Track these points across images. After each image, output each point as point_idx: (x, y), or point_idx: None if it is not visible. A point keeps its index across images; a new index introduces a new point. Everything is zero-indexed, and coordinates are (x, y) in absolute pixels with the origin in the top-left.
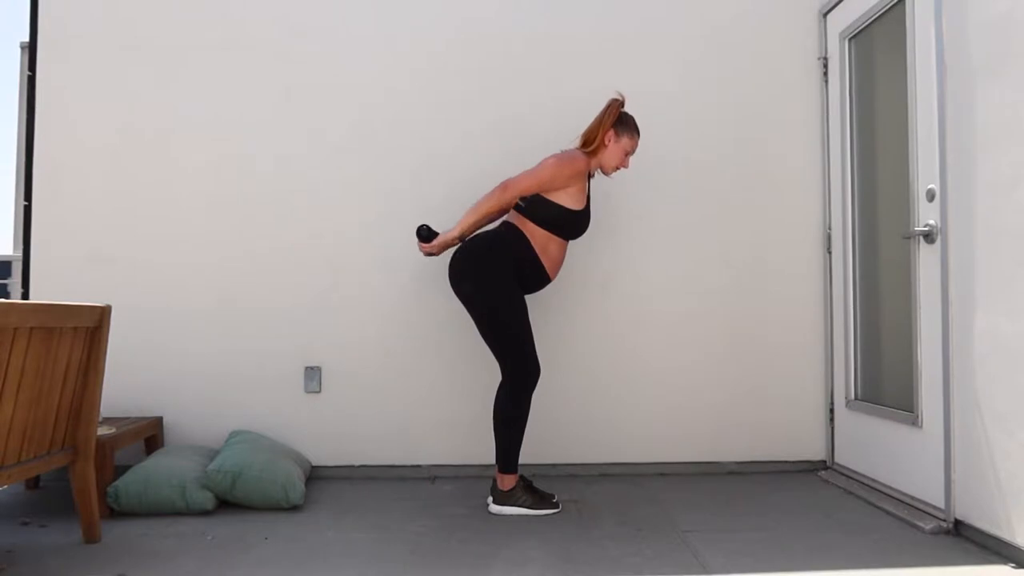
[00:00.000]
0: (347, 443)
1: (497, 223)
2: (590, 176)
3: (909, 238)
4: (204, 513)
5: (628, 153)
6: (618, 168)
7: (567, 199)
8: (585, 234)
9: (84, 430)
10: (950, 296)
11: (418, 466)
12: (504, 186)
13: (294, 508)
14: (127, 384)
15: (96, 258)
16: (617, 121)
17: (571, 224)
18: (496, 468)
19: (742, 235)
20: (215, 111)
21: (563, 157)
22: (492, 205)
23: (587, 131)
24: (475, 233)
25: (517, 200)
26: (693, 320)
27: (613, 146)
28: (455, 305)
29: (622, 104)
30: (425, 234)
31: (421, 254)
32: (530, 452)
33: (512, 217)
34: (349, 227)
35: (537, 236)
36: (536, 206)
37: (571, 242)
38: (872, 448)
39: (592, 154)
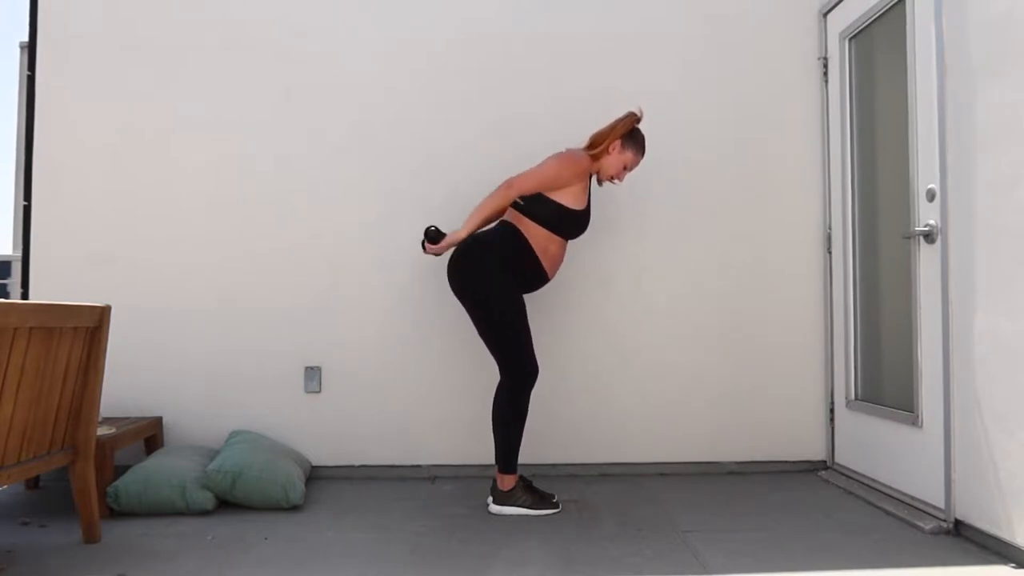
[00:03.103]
0: (347, 443)
1: (495, 222)
2: (590, 178)
3: (909, 238)
4: (204, 513)
5: (627, 168)
6: (612, 179)
7: (567, 198)
8: (585, 233)
9: (84, 430)
10: (950, 296)
11: (418, 466)
12: (508, 184)
13: (294, 508)
14: (127, 384)
15: (96, 258)
16: (628, 134)
17: (570, 223)
18: (496, 468)
19: (742, 235)
20: (215, 111)
21: (566, 156)
22: (498, 203)
23: (597, 134)
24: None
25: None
26: (693, 320)
27: (616, 156)
28: (455, 305)
29: (638, 120)
30: (433, 235)
31: (423, 253)
32: (530, 452)
33: (511, 216)
34: (349, 227)
35: (536, 235)
36: (536, 205)
37: (571, 241)
38: (872, 448)
39: (595, 157)
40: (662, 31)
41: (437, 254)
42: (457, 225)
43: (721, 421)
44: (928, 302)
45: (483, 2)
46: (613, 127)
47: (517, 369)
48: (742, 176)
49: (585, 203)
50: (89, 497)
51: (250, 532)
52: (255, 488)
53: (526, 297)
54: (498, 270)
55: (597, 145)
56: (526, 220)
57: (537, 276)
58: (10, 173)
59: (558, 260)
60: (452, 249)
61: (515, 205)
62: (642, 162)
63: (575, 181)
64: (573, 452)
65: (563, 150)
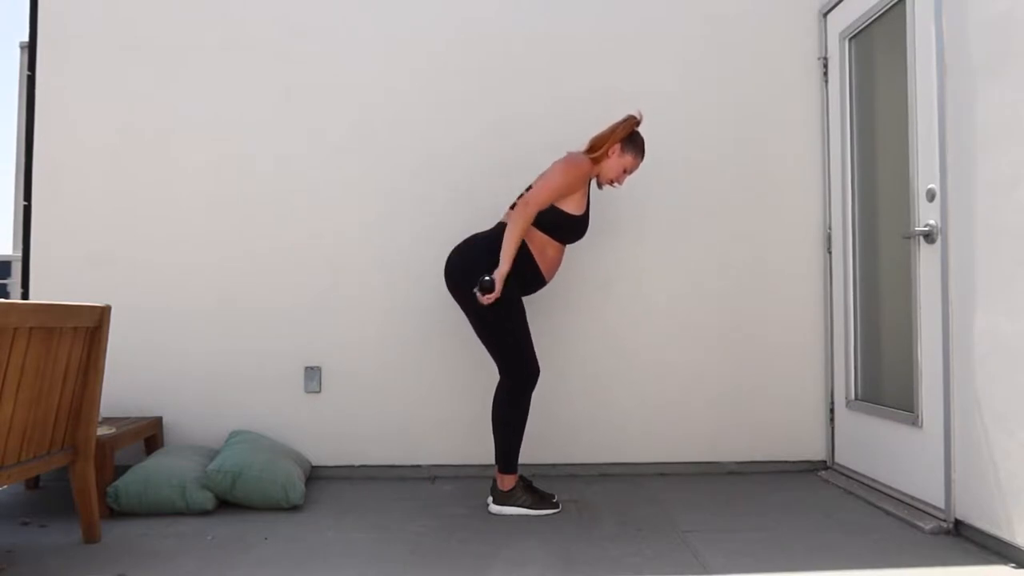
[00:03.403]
0: (347, 443)
1: (495, 224)
2: (589, 182)
3: (909, 238)
4: (204, 513)
5: (627, 171)
6: (612, 183)
7: (568, 204)
8: (585, 235)
9: (84, 430)
10: (950, 296)
11: (418, 466)
12: (525, 202)
13: (294, 508)
14: (127, 384)
15: (96, 258)
16: (628, 138)
17: (570, 228)
18: (496, 468)
19: (742, 235)
20: (215, 111)
21: (570, 162)
22: (523, 226)
23: (596, 137)
24: (472, 235)
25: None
26: (693, 320)
27: (615, 159)
28: (455, 305)
29: (638, 123)
30: (488, 285)
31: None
32: (530, 452)
33: (509, 219)
34: (349, 227)
35: (535, 239)
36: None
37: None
38: (872, 448)
39: (595, 161)
40: (662, 31)
41: (496, 297)
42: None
43: (721, 421)
44: (928, 302)
45: (483, 2)
46: (613, 130)
47: (517, 371)
48: (742, 176)
49: (585, 208)
50: (89, 497)
51: (250, 532)
52: (255, 488)
53: (525, 299)
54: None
55: (597, 149)
56: None
57: (535, 279)
58: (10, 173)
59: (556, 264)
60: (452, 250)
61: (514, 207)
62: (642, 163)
63: (580, 186)
64: (573, 452)
65: (564, 154)
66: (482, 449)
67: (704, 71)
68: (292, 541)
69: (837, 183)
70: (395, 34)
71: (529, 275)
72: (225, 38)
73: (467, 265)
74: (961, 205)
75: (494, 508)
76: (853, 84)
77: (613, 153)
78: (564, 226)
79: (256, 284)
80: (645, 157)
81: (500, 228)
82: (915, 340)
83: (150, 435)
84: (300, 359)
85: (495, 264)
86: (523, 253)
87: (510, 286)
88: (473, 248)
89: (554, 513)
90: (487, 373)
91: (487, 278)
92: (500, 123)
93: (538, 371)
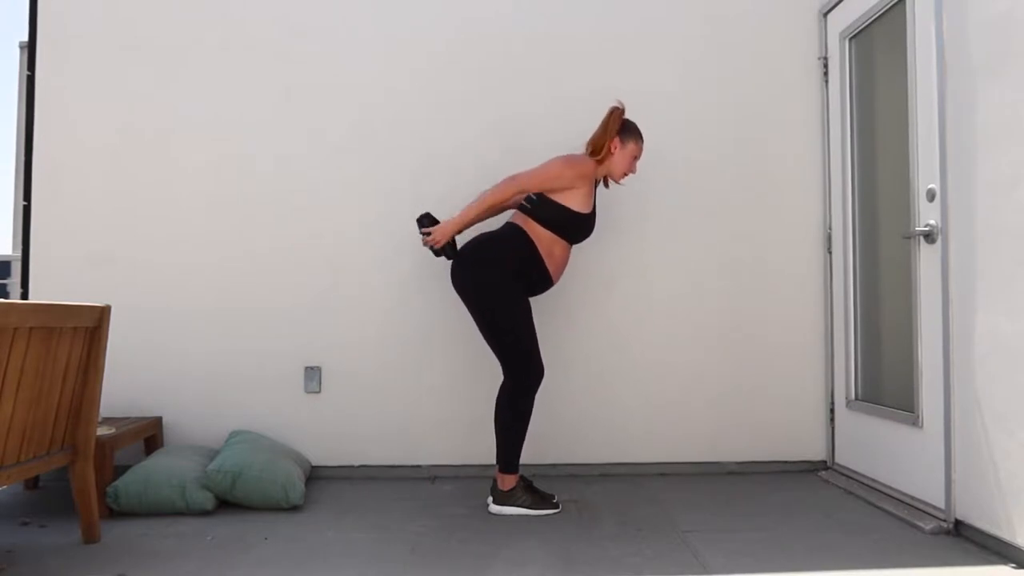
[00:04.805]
0: (347, 443)
1: (502, 224)
2: (597, 183)
3: (909, 238)
4: (204, 513)
5: (636, 158)
6: (627, 174)
7: (573, 201)
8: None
9: (84, 430)
10: (950, 296)
11: (418, 466)
12: (511, 178)
13: (294, 508)
14: (127, 384)
15: (96, 258)
16: (621, 129)
17: (576, 226)
18: (496, 468)
19: (742, 235)
20: (215, 111)
21: (569, 158)
22: (497, 197)
23: (593, 140)
24: (480, 234)
25: (522, 194)
26: (693, 320)
27: (620, 153)
28: (455, 305)
29: (623, 111)
30: (426, 223)
31: (418, 246)
32: (530, 452)
33: (517, 218)
34: (349, 227)
35: (542, 237)
36: (543, 207)
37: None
38: (872, 448)
39: (600, 162)
40: (662, 31)
41: (436, 244)
42: None
43: (721, 421)
44: (928, 302)
45: (483, 2)
46: (606, 128)
47: (521, 371)
48: (742, 176)
49: (591, 207)
50: (89, 497)
51: (250, 532)
52: (255, 488)
53: (530, 299)
54: (503, 272)
55: (598, 151)
56: (532, 222)
57: (542, 279)
58: (10, 173)
59: (563, 263)
60: (451, 248)
61: (522, 208)
62: (643, 162)
63: (578, 183)
64: (574, 452)
65: (566, 153)
66: (482, 449)
67: (704, 71)
68: (292, 541)
69: (837, 183)
70: (395, 34)
71: (536, 276)
72: (225, 38)
73: (474, 266)
74: (961, 205)
75: (494, 508)
76: (853, 84)
77: (616, 148)
78: (571, 224)
79: (256, 284)
80: (643, 155)
81: (507, 228)
82: (915, 340)
83: (150, 435)
84: (300, 359)
85: (503, 265)
86: (531, 253)
87: (513, 287)
88: (481, 248)
89: (554, 513)
90: (488, 373)
91: (425, 213)
92: (500, 123)
93: (542, 374)
